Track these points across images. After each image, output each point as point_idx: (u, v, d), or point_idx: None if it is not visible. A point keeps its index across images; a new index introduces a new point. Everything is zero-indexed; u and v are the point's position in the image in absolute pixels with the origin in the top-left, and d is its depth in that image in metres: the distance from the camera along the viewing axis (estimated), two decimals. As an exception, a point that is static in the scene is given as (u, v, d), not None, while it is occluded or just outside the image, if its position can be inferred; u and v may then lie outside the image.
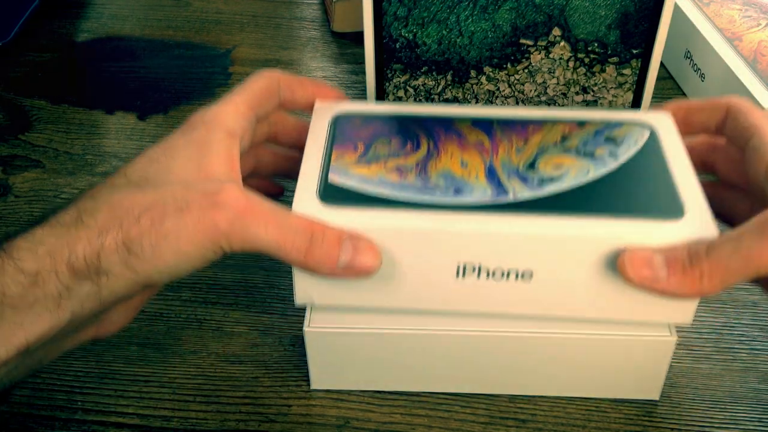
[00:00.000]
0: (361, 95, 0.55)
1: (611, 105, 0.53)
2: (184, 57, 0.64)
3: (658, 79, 0.52)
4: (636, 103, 0.53)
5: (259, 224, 0.32)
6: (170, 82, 0.61)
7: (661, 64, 0.52)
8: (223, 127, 0.35)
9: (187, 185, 0.32)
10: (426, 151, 0.37)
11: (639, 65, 0.51)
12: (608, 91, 0.52)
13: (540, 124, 0.39)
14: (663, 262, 0.32)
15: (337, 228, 0.33)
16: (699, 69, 0.55)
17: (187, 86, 0.60)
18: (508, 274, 0.34)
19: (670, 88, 0.58)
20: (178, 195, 0.32)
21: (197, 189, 0.32)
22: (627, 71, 0.51)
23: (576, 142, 0.38)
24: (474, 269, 0.34)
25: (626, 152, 0.37)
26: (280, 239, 0.32)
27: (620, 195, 0.35)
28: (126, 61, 0.63)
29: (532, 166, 0.36)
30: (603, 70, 0.51)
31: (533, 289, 0.35)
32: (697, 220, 0.33)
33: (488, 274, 0.35)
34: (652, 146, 0.37)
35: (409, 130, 0.39)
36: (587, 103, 0.52)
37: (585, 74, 0.51)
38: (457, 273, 0.35)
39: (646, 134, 0.38)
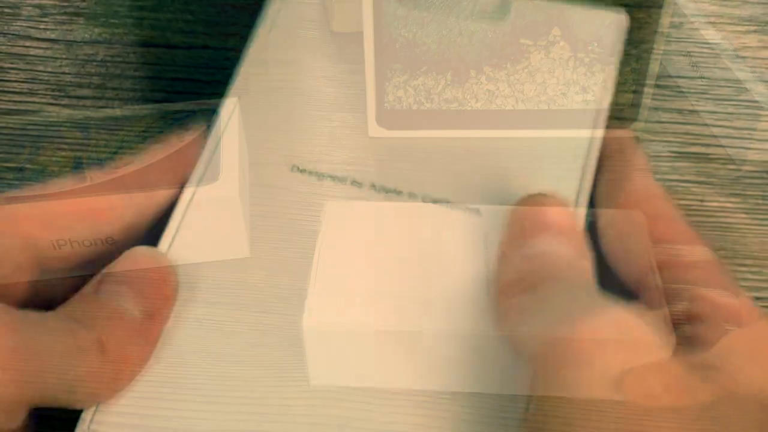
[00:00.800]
0: (361, 95, 0.55)
1: (611, 107, 0.53)
2: (185, 57, 0.64)
3: (658, 78, 0.52)
4: (636, 103, 0.53)
5: None
6: (170, 83, 0.61)
7: (661, 64, 0.52)
8: None
9: None
10: None
11: (639, 65, 0.51)
12: (608, 90, 0.52)
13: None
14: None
15: None
16: (699, 69, 0.55)
17: (187, 87, 0.60)
18: None
19: (670, 88, 0.58)
20: None
21: None
22: (627, 71, 0.51)
23: None
24: None
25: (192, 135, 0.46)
26: None
27: None
28: (126, 61, 0.63)
29: None
30: (603, 70, 0.51)
31: None
32: (226, 183, 0.43)
33: None
34: (215, 128, 0.47)
35: None
36: (587, 103, 0.52)
37: (585, 74, 0.51)
38: None
39: (212, 119, 0.48)
